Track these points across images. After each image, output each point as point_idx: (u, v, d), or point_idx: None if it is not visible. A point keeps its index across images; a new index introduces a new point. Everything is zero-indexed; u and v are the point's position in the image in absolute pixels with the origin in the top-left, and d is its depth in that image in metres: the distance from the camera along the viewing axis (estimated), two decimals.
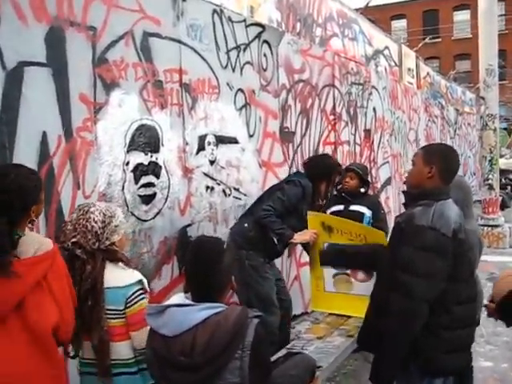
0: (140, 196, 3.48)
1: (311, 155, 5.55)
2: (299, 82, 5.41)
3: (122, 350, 2.32)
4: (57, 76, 2.90)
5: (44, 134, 2.84)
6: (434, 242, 2.29)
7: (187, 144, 3.88)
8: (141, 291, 2.36)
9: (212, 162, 4.17)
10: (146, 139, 3.51)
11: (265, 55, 4.84)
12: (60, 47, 2.92)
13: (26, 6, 2.73)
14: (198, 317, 1.87)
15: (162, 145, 3.66)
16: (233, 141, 4.43)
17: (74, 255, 2.28)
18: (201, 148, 4.04)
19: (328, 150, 6.01)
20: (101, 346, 2.28)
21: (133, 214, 3.42)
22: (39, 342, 1.98)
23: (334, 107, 6.15)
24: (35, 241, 2.08)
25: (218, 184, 4.25)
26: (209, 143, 4.14)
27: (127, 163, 3.38)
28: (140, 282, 2.38)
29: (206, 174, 4.10)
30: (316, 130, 5.77)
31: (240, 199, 4.50)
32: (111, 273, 2.33)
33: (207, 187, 4.12)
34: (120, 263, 2.39)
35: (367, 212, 4.48)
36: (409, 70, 9.30)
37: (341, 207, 4.57)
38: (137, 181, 3.46)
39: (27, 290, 1.96)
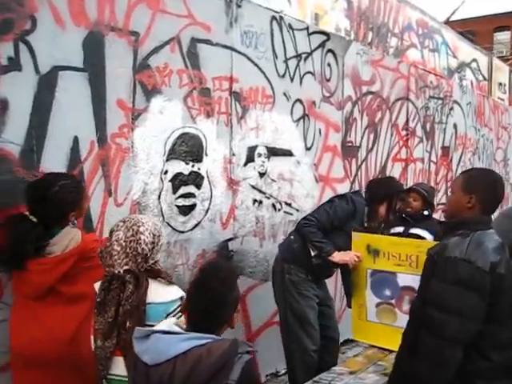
0: (178, 206, 3.38)
1: (377, 174, 5.23)
2: (368, 94, 5.10)
3: None
4: (93, 81, 2.87)
5: (75, 139, 2.81)
6: (468, 276, 2.01)
7: (234, 155, 3.74)
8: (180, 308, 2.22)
9: (262, 175, 4.00)
10: (188, 148, 3.41)
11: (329, 65, 4.60)
12: (98, 52, 2.89)
13: (64, 10, 2.72)
14: (180, 348, 1.68)
15: (206, 154, 3.54)
16: (287, 153, 4.22)
17: (120, 278, 2.17)
18: (250, 159, 3.88)
19: (398, 167, 5.63)
20: None
21: (169, 225, 3.32)
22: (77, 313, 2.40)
23: (407, 122, 5.76)
24: (67, 237, 2.43)
25: (268, 198, 4.06)
26: (259, 155, 3.96)
27: (165, 172, 3.29)
28: (182, 298, 2.26)
29: (253, 187, 3.93)
30: (385, 145, 5.42)
31: (291, 214, 4.28)
32: (154, 289, 2.21)
33: (255, 200, 3.95)
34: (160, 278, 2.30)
35: (428, 236, 4.08)
36: (500, 84, 8.57)
37: (401, 229, 4.21)
38: (175, 190, 3.36)
39: (51, 282, 2.38)
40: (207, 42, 3.50)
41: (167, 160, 3.30)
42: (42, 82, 2.64)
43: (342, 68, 4.74)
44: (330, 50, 4.58)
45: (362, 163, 5.08)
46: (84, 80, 2.83)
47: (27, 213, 2.42)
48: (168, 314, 2.19)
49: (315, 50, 4.43)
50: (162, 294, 2.23)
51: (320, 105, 4.52)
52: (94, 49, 2.86)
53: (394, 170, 5.55)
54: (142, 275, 2.19)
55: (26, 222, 2.39)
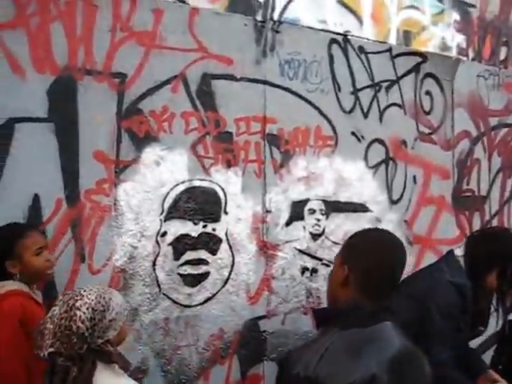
0: (181, 275, 2.80)
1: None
2: (500, 128, 3.85)
3: None
4: (60, 132, 2.53)
5: (36, 197, 2.47)
6: None
7: (268, 211, 3.02)
8: None
9: (316, 236, 3.17)
10: (197, 205, 2.83)
11: (428, 93, 3.58)
12: (68, 100, 2.55)
13: (24, 57, 2.46)
14: None
15: (225, 212, 2.92)
16: (359, 208, 3.32)
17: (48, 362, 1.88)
18: (296, 217, 3.11)
19: None
20: None
21: (167, 297, 2.76)
22: None
23: None
24: None
25: (327, 265, 3.20)
26: (312, 211, 3.16)
27: (163, 234, 2.77)
28: None
29: (302, 252, 3.12)
30: None
31: None
32: (100, 378, 1.84)
33: (305, 269, 3.14)
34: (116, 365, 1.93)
35: None
36: None
37: None
38: (178, 256, 2.80)
39: None
40: (227, 77, 2.93)
41: (166, 220, 2.77)
42: None
43: (450, 96, 3.65)
44: (429, 75, 3.57)
45: (492, 218, 3.80)
46: (48, 131, 2.50)
47: None
48: None
49: (404, 75, 3.48)
50: None
51: (414, 145, 3.51)
52: (62, 96, 2.53)
53: None
54: (86, 357, 1.83)
55: None
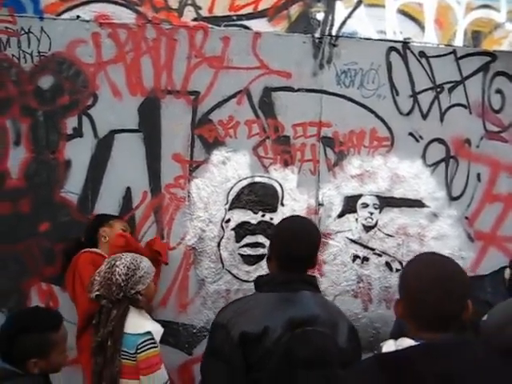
0: (242, 255, 3.40)
1: None
2: None
3: None
4: (148, 140, 3.30)
5: (128, 190, 3.29)
6: (220, 345, 1.80)
7: (321, 205, 3.45)
8: (149, 341, 2.52)
9: (369, 228, 3.50)
10: (257, 198, 3.40)
11: (499, 92, 3.59)
12: (154, 114, 3.30)
13: (122, 85, 3.27)
14: None
15: (282, 204, 3.43)
16: (414, 204, 3.54)
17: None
18: (348, 210, 3.48)
19: None
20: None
21: (229, 272, 3.39)
22: None
23: None
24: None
25: (379, 255, 3.51)
26: (364, 205, 3.50)
27: (227, 220, 3.39)
28: (148, 333, 2.54)
29: (354, 241, 3.49)
30: None
31: None
32: (131, 318, 2.58)
33: (356, 256, 3.50)
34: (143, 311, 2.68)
35: None
36: None
37: None
38: (239, 239, 3.40)
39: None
40: (285, 89, 3.41)
41: (230, 209, 3.39)
42: (99, 144, 3.26)
43: None
44: (500, 73, 3.58)
45: None
46: (138, 140, 3.30)
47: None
48: (138, 345, 2.48)
49: (470, 76, 3.56)
50: (133, 325, 2.54)
51: (480, 143, 3.58)
52: (149, 112, 3.30)
53: None
54: (122, 302, 2.57)
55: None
